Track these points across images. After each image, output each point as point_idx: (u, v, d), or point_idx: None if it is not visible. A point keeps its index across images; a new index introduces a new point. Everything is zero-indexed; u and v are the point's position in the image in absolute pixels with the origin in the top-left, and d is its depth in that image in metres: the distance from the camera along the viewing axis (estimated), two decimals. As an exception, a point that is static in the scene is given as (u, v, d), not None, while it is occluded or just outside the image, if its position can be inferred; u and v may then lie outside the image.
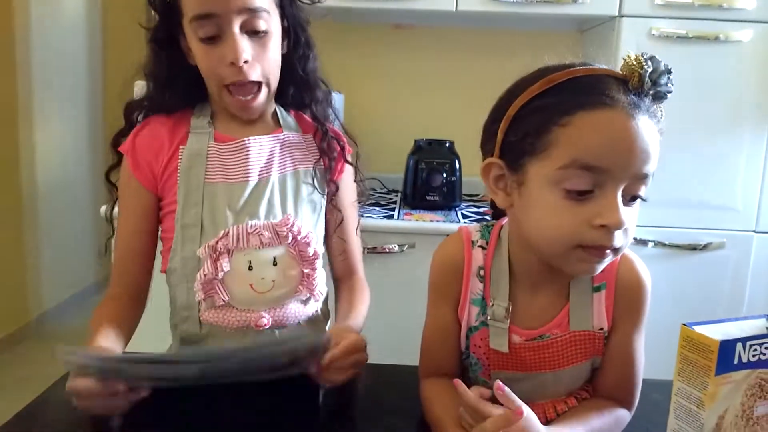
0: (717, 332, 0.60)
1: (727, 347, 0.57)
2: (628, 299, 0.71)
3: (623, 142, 0.59)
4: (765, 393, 0.60)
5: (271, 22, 0.83)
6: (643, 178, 0.60)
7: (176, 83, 0.89)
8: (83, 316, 3.27)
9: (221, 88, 0.84)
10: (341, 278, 1.00)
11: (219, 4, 0.79)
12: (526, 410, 0.61)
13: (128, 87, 1.58)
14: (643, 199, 0.62)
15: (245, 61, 0.81)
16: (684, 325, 0.60)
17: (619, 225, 0.59)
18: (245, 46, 0.81)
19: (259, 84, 0.85)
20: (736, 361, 0.57)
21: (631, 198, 0.61)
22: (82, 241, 3.26)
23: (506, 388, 0.61)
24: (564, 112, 0.60)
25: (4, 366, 2.53)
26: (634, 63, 0.60)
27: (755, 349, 0.58)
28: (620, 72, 0.62)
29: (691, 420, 0.58)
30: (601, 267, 0.64)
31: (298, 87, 0.93)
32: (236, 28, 0.80)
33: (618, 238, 0.61)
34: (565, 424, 0.68)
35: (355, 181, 0.99)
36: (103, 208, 1.55)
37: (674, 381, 0.60)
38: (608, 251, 0.61)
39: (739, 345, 0.57)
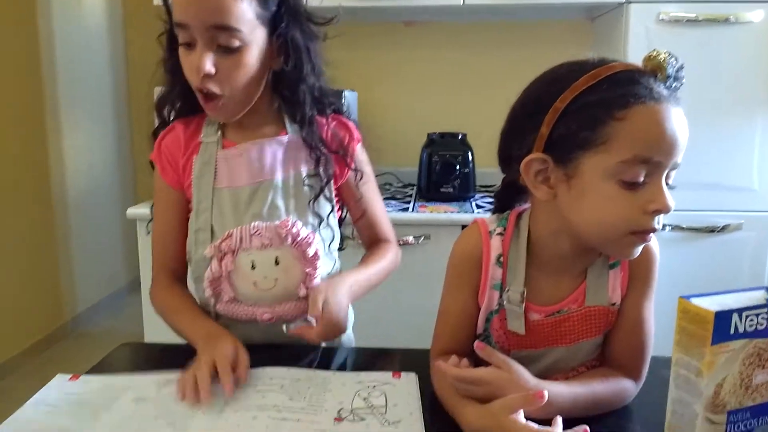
0: (714, 304, 0.62)
1: (723, 318, 0.58)
2: (638, 268, 0.74)
3: (673, 134, 0.62)
4: (763, 362, 0.62)
5: (251, 39, 0.83)
6: (676, 166, 0.64)
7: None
8: (116, 316, 3.37)
9: (196, 89, 0.86)
10: (370, 246, 1.02)
11: (190, 17, 0.80)
12: (514, 365, 0.65)
13: (151, 91, 1.64)
14: (672, 187, 0.65)
15: (206, 75, 0.82)
16: (681, 297, 0.62)
17: (669, 209, 0.62)
18: (209, 60, 0.81)
19: (219, 96, 0.85)
20: (732, 331, 0.59)
21: None
22: (113, 243, 3.36)
23: (487, 347, 0.66)
24: (620, 105, 0.62)
25: (40, 367, 2.61)
26: (660, 59, 0.64)
27: (752, 319, 0.60)
28: (644, 67, 0.65)
29: (690, 388, 0.60)
30: (641, 248, 0.67)
31: (287, 103, 0.92)
32: (204, 42, 0.81)
33: (662, 220, 0.64)
34: (567, 382, 0.71)
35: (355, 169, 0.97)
36: (130, 210, 1.63)
37: (673, 351, 0.62)
38: (653, 234, 0.65)
39: (735, 315, 0.59)
